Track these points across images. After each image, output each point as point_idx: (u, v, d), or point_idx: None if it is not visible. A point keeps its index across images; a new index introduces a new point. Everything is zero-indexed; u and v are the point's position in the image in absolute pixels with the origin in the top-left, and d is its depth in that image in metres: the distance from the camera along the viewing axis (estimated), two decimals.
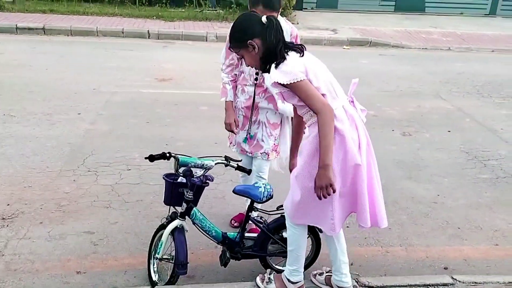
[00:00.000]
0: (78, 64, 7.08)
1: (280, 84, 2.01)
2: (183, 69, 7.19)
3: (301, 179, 2.13)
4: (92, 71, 6.74)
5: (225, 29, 10.17)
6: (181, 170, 2.43)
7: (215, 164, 2.50)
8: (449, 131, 5.10)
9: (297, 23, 11.25)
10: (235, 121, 2.84)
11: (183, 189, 2.47)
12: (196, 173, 2.49)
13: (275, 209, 2.55)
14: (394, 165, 4.23)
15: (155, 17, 10.71)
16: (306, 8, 13.29)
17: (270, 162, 2.91)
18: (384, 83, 7.00)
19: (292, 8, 11.67)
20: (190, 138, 4.61)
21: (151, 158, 2.35)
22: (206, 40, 9.61)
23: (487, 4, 14.01)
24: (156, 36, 9.46)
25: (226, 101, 2.85)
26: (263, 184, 2.52)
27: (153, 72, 6.89)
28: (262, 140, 2.83)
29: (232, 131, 2.86)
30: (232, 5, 11.67)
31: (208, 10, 11.49)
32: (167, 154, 2.37)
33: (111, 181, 3.71)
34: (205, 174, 2.51)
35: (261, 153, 2.85)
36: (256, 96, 2.76)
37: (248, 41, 2.06)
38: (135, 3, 11.86)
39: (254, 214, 2.70)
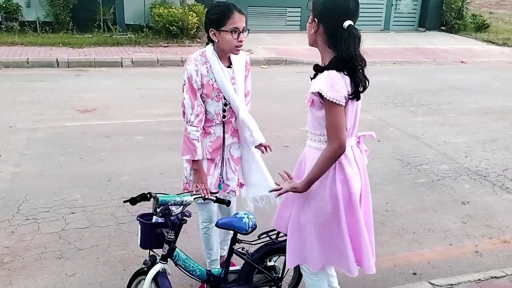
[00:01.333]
0: None
1: (319, 94, 1.88)
2: (105, 97, 6.82)
3: (311, 218, 2.05)
4: (2, 107, 6.10)
5: (140, 53, 9.90)
6: (159, 209, 2.28)
7: (194, 199, 2.39)
8: (379, 141, 5.44)
9: None
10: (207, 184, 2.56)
11: (162, 229, 2.32)
12: (173, 211, 2.36)
13: (257, 238, 2.50)
14: None
15: (61, 44, 10.07)
16: None
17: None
18: (303, 99, 7.27)
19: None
20: (133, 171, 4.37)
21: (133, 201, 2.18)
22: (122, 66, 9.25)
23: (381, 21, 15.38)
24: (66, 64, 8.88)
25: (196, 160, 2.49)
26: (245, 214, 2.46)
27: (72, 103, 6.44)
28: (228, 179, 2.67)
29: (204, 191, 2.50)
30: (144, 29, 11.41)
31: (118, 35, 11.08)
32: (148, 195, 2.21)
33: (56, 228, 3.36)
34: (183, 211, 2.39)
35: (228, 192, 2.69)
36: (226, 135, 2.57)
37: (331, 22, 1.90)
38: (36, 30, 11.07)
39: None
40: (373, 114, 6.55)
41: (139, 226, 2.37)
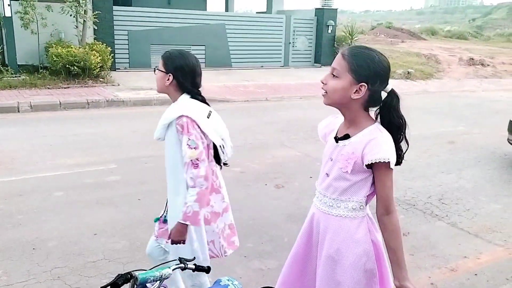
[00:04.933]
0: None
1: (382, 161, 1.71)
2: (7, 148, 6.05)
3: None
4: None
5: (38, 96, 9.08)
6: None
7: (173, 270, 2.13)
8: (311, 177, 5.54)
9: (118, 85, 10.85)
10: None
11: None
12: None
13: None
14: (287, 220, 4.34)
15: None
16: (119, 68, 12.93)
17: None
18: (231, 139, 7.20)
19: (109, 69, 11.21)
20: (60, 235, 3.84)
21: (115, 286, 1.85)
22: (19, 111, 8.38)
23: (281, 58, 16.15)
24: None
25: None
26: (229, 280, 2.25)
27: None
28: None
29: None
30: (40, 70, 10.53)
31: (10, 76, 10.06)
32: (129, 276, 1.91)
33: None
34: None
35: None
36: None
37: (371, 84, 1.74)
38: None
39: None
40: (298, 150, 6.70)
41: None
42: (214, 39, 14.66)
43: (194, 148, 2.25)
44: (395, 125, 1.76)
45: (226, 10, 22.00)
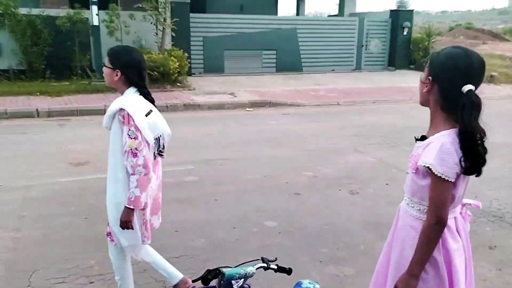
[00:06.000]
0: None
1: (427, 167, 1.71)
2: (96, 148, 6.52)
3: None
4: None
5: None
6: (223, 284, 2.08)
7: (256, 269, 2.20)
8: (387, 184, 5.41)
9: (194, 89, 11.28)
10: None
11: None
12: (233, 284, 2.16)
13: None
14: (362, 227, 4.28)
15: (38, 93, 9.74)
16: (194, 73, 13.43)
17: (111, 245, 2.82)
18: (302, 142, 7.26)
19: (186, 74, 11.70)
20: None
21: (206, 281, 1.96)
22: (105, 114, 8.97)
23: (353, 62, 15.87)
24: (46, 114, 8.56)
25: None
26: (309, 282, 2.28)
27: (62, 156, 6.12)
28: None
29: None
30: None
31: (97, 81, 10.84)
32: (217, 271, 2.01)
33: None
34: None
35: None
36: None
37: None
38: (10, 79, 10.68)
39: None
40: (372, 156, 6.56)
41: None
42: (285, 43, 14.76)
43: (134, 138, 2.45)
44: (468, 130, 1.67)
45: (297, 14, 22.05)
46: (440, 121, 1.79)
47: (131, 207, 2.48)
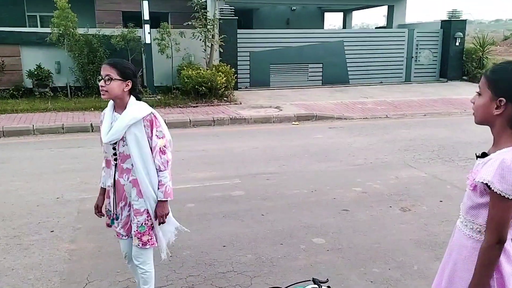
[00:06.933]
0: (24, 170, 6.30)
1: (485, 184, 1.67)
2: None
3: None
4: (45, 176, 6.00)
5: (171, 114, 9.95)
6: None
7: None
8: (441, 201, 5.17)
9: (240, 103, 11.39)
10: (98, 206, 2.92)
11: None
12: None
13: None
14: (415, 246, 4.10)
15: (92, 109, 10.18)
16: (241, 88, 13.60)
17: (147, 251, 2.83)
18: (350, 157, 7.11)
19: (232, 88, 11.86)
20: (194, 244, 4.11)
21: None
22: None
23: (402, 74, 15.50)
24: (99, 129, 8.88)
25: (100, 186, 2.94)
26: None
27: None
28: (130, 224, 2.84)
29: (98, 214, 2.95)
30: (173, 91, 11.55)
31: (147, 97, 11.21)
32: None
33: None
34: None
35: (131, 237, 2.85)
36: (119, 178, 2.74)
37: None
38: (67, 95, 11.26)
39: None
40: (425, 171, 6.31)
41: None
42: (332, 56, 14.65)
43: (162, 137, 2.68)
44: None
45: (344, 27, 21.89)
46: (505, 139, 1.73)
47: (169, 199, 2.77)
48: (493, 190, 1.63)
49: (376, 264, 3.75)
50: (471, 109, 1.84)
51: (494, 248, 1.67)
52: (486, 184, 1.65)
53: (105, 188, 2.89)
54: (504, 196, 1.61)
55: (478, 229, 1.76)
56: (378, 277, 3.55)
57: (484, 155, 1.79)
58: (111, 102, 2.76)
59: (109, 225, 2.96)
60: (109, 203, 2.86)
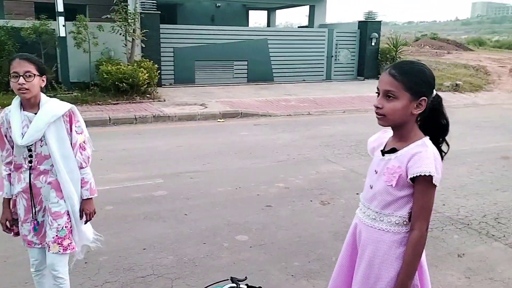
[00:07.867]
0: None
1: (415, 176, 1.75)
2: None
3: None
4: None
5: (89, 112, 9.47)
6: None
7: None
8: (357, 194, 5.42)
9: (164, 100, 11.13)
10: (7, 220, 2.66)
11: None
12: None
13: None
14: (334, 238, 4.26)
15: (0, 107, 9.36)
16: (165, 84, 13.29)
17: (65, 258, 2.68)
18: (274, 153, 7.23)
19: (155, 85, 11.55)
20: (111, 249, 3.93)
21: None
22: None
23: (323, 72, 16.08)
24: None
25: (4, 197, 2.66)
26: None
27: None
28: (46, 230, 2.63)
29: (7, 231, 2.70)
30: (91, 87, 10.99)
31: (63, 93, 10.56)
32: None
33: None
34: None
35: (47, 244, 2.60)
36: (35, 181, 2.56)
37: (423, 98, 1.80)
38: None
39: None
40: (343, 166, 6.59)
41: None
42: (256, 54, 14.82)
43: (81, 133, 2.61)
44: (442, 126, 1.85)
45: (268, 25, 22.24)
46: (413, 133, 1.85)
47: (95, 195, 2.70)
48: (432, 181, 1.73)
49: (297, 258, 3.84)
50: (376, 114, 1.86)
51: (425, 235, 1.77)
52: (420, 175, 1.73)
53: (10, 198, 2.64)
54: (436, 185, 1.75)
55: (397, 222, 1.83)
56: (298, 270, 3.64)
57: (393, 150, 1.86)
58: (16, 101, 2.54)
59: (17, 234, 2.71)
60: (20, 211, 2.61)
